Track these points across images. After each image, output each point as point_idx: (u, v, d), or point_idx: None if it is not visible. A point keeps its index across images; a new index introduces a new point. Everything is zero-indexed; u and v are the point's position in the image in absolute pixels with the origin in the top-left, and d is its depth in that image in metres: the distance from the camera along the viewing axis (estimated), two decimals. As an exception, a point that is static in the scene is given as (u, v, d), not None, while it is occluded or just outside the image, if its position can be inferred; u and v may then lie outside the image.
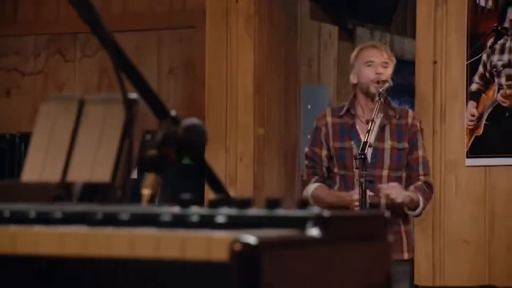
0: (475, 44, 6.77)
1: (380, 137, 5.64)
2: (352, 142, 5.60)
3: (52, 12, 8.08)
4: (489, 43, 6.71)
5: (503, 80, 6.65)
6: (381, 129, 5.67)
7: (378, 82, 5.60)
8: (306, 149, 5.89)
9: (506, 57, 6.66)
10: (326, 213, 1.48)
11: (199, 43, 7.54)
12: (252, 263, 1.36)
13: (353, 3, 8.09)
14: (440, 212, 6.76)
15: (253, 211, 1.52)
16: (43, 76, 8.23)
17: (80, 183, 1.79)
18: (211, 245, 1.39)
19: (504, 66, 6.65)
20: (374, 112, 5.44)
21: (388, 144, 5.65)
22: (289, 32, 7.66)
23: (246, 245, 1.36)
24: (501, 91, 6.66)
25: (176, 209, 1.59)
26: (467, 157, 6.76)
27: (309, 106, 7.76)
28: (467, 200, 6.78)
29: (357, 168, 5.39)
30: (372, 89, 5.60)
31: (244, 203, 1.54)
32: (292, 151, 7.65)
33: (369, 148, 5.48)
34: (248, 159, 7.35)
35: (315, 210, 1.50)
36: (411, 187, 5.70)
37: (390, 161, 5.64)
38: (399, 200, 5.48)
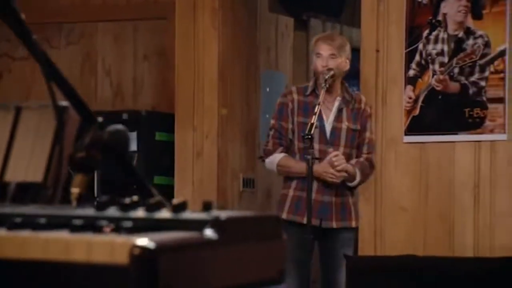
0: (412, 35, 6.78)
1: (338, 118, 5.70)
2: (313, 119, 5.54)
3: (39, 3, 8.03)
4: (425, 34, 6.72)
5: (436, 67, 6.67)
6: (339, 111, 5.72)
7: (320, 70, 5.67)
8: (272, 122, 5.86)
9: (439, 46, 6.66)
10: (223, 216, 1.46)
11: (171, 33, 7.49)
12: (149, 266, 1.33)
13: (307, -3, 8.12)
14: (381, 183, 6.78)
15: (160, 214, 1.49)
16: (32, 61, 8.18)
17: (14, 183, 1.76)
18: (114, 249, 1.36)
19: (437, 54, 6.67)
20: (320, 96, 5.48)
21: (345, 124, 5.69)
22: (250, 23, 7.63)
23: (144, 249, 1.34)
24: (435, 76, 6.67)
25: (90, 212, 1.54)
26: (405, 134, 6.78)
27: (267, 89, 7.74)
28: (405, 172, 6.80)
29: (309, 147, 5.37)
30: (321, 78, 5.62)
31: (177, 207, 1.51)
32: (252, 128, 7.64)
33: (328, 127, 5.61)
34: (213, 136, 7.33)
35: (214, 213, 1.47)
36: (353, 161, 5.75)
37: (346, 140, 5.69)
38: (339, 168, 5.51)
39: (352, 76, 7.39)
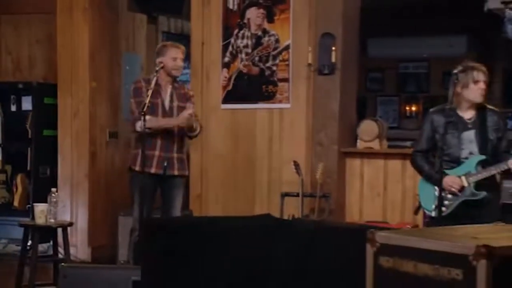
0: (227, 33, 6.84)
1: (172, 99, 5.57)
2: (159, 100, 5.51)
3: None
4: (235, 32, 6.79)
5: (243, 56, 6.76)
6: (171, 94, 5.59)
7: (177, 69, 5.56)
8: (132, 100, 5.56)
9: (245, 41, 6.75)
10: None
11: (55, 24, 7.40)
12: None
13: (156, -2, 8.12)
14: (206, 138, 6.83)
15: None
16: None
17: None
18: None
19: (244, 47, 6.76)
20: (152, 82, 5.34)
21: (176, 103, 5.58)
22: (113, 19, 7.54)
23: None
24: (242, 62, 6.76)
25: None
26: (222, 103, 6.88)
27: (127, 67, 7.71)
28: (222, 130, 6.90)
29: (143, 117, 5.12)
30: (174, 73, 5.56)
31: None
32: (115, 95, 7.60)
33: (166, 104, 5.49)
34: (85, 101, 7.32)
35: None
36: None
37: (177, 113, 5.55)
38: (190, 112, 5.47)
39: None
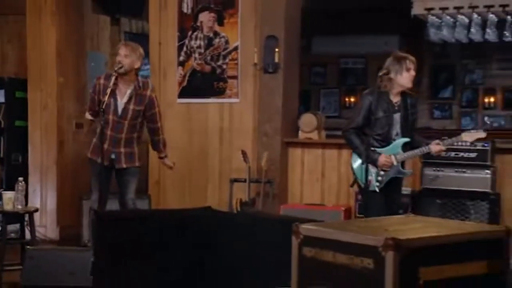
0: (182, 34, 6.81)
1: (128, 101, 5.23)
2: (112, 100, 5.20)
3: None
4: (189, 34, 6.78)
5: (197, 55, 6.75)
6: (130, 96, 5.24)
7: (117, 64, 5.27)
8: (91, 91, 5.44)
9: (198, 42, 6.73)
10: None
11: (26, 25, 7.32)
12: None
13: (118, 2, 7.98)
14: (164, 128, 6.80)
15: None
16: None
17: None
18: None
19: (197, 47, 6.74)
20: (110, 83, 5.11)
21: (132, 105, 5.24)
22: (79, 21, 7.44)
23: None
24: (195, 61, 6.76)
25: None
26: (178, 98, 6.87)
27: (92, 64, 7.62)
28: (178, 123, 6.86)
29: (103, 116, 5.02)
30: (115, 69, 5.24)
31: None
32: (81, 90, 7.48)
33: (121, 106, 5.22)
34: (53, 96, 7.21)
35: None
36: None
37: (131, 116, 5.27)
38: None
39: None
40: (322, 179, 6.57)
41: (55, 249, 5.43)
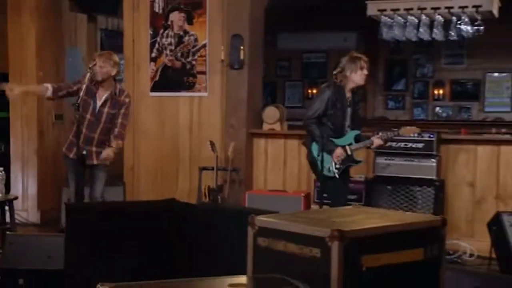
0: (154, 32, 6.78)
1: (103, 104, 5.15)
2: (92, 101, 5.15)
3: None
4: (161, 32, 6.74)
5: (168, 52, 6.71)
6: (105, 99, 5.16)
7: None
8: (75, 81, 5.27)
9: (169, 40, 6.71)
10: None
11: (7, 22, 7.23)
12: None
13: (94, 0, 7.88)
14: (136, 123, 6.83)
15: None
16: None
17: None
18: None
19: (168, 44, 6.71)
20: (86, 78, 4.94)
21: (106, 109, 5.16)
22: (57, 19, 7.34)
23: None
24: (167, 57, 6.72)
25: None
26: (150, 91, 6.84)
27: (70, 59, 7.55)
28: (150, 116, 6.86)
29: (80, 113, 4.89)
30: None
31: None
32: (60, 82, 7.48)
33: (101, 108, 5.12)
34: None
35: None
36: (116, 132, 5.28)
37: (105, 118, 5.19)
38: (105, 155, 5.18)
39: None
40: (284, 167, 6.61)
41: (34, 234, 5.39)
